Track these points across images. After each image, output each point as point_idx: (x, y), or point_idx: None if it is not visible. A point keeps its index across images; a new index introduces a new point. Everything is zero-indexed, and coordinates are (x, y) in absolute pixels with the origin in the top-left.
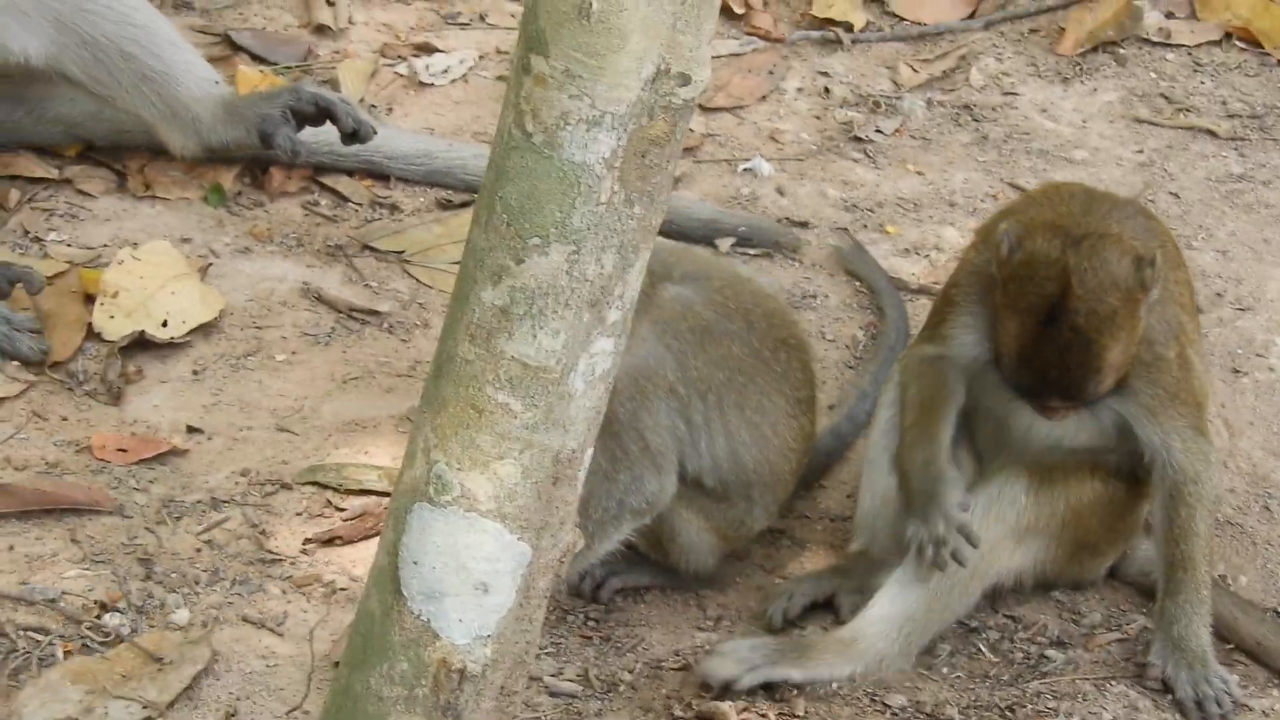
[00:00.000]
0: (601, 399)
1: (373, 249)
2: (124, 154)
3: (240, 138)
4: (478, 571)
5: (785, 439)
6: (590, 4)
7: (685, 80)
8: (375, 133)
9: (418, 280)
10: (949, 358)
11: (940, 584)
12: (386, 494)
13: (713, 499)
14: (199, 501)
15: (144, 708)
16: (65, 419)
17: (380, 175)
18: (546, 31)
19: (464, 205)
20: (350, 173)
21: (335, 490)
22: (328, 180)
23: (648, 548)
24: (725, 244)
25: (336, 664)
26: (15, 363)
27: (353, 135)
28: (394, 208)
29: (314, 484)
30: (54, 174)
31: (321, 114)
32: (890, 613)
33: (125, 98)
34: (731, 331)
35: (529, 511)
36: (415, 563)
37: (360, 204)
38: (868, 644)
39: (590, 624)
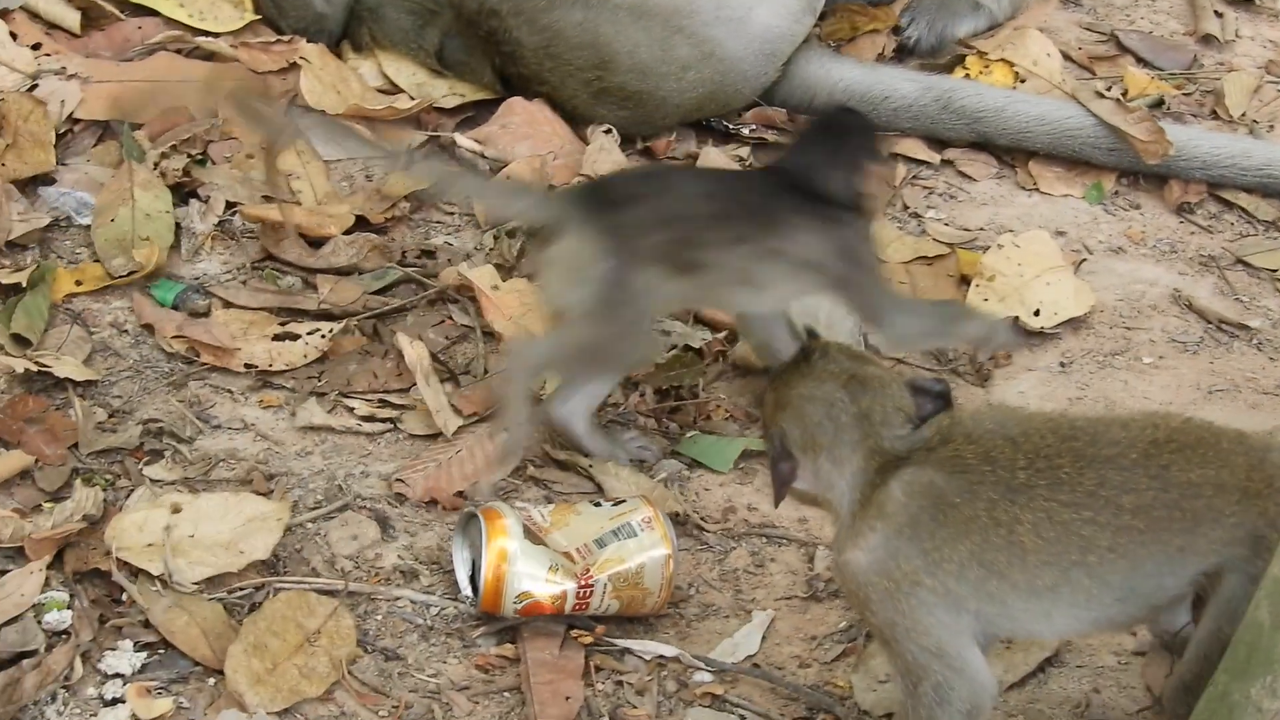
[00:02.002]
0: None
1: (1246, 264)
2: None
3: None
4: None
5: (1102, 552)
6: None
7: None
8: None
9: None
10: None
11: None
12: None
13: None
14: None
15: None
16: None
17: (1270, 193)
18: None
19: None
20: (1249, 189)
21: None
22: (1224, 194)
23: None
24: None
25: None
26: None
27: None
28: (1271, 225)
29: None
30: (935, 158)
31: None
32: None
33: None
34: (971, 482)
35: None
36: None
37: (1235, 218)
38: None
39: None
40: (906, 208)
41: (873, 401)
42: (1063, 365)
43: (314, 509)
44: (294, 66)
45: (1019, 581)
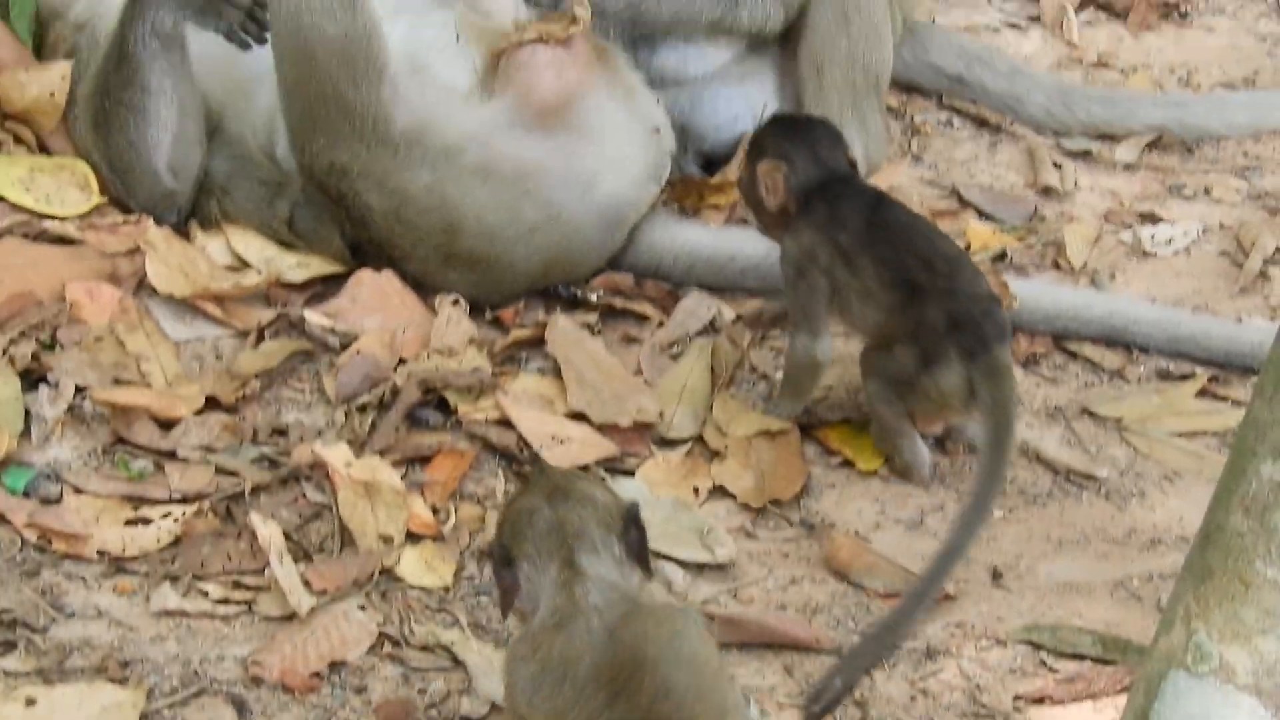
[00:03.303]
0: None
1: (1091, 413)
2: None
3: None
4: None
5: None
6: None
7: None
8: None
9: (1135, 449)
10: None
11: None
12: (1100, 660)
13: None
14: (914, 649)
15: None
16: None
17: (1114, 342)
18: None
19: (1184, 378)
20: (1093, 339)
21: (1049, 651)
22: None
23: None
24: None
25: None
26: None
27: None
28: (1115, 374)
29: (1028, 643)
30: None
31: None
32: None
33: None
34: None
35: None
36: None
37: (1080, 368)
38: None
39: None
40: (754, 369)
41: (570, 512)
42: (920, 519)
43: (170, 695)
44: (141, 249)
45: None
